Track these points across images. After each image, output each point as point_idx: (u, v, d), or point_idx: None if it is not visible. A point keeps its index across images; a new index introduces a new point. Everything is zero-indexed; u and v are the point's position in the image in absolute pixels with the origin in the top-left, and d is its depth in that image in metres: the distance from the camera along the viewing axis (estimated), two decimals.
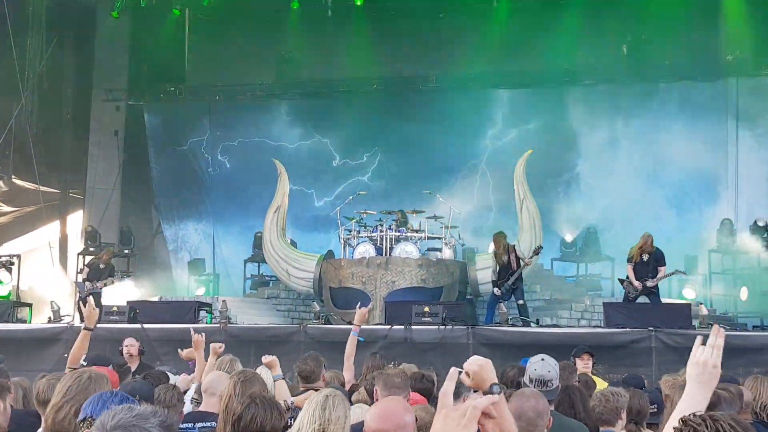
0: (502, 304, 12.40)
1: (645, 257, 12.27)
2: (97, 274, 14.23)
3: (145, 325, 12.06)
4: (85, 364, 5.60)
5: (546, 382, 4.83)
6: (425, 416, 4.11)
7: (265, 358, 5.66)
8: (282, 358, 5.87)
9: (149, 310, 13.23)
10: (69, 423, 3.30)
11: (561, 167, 18.31)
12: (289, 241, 16.10)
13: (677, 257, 14.30)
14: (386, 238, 14.79)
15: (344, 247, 15.35)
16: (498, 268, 12.99)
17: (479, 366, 2.75)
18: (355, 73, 19.21)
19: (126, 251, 18.29)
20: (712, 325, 11.55)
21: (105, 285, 14.18)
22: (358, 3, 18.64)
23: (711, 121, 17.54)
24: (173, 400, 4.86)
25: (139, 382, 5.18)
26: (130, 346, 8.55)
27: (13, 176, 17.59)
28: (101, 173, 19.94)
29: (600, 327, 12.08)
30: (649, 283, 12.18)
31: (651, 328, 10.79)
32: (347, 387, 6.39)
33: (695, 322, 11.42)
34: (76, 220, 19.60)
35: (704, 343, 2.70)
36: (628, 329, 11.03)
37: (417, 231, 15.20)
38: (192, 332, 6.80)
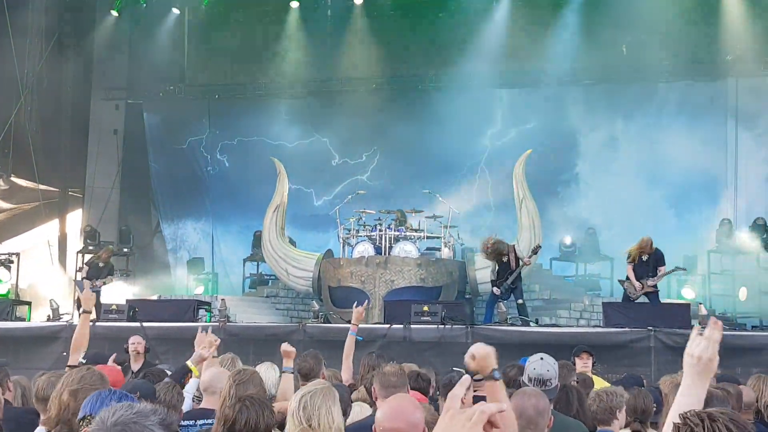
0: (501, 304, 12.40)
1: (644, 257, 12.28)
2: (97, 273, 14.25)
3: (144, 324, 12.05)
4: (84, 362, 5.60)
5: (545, 381, 4.84)
6: (426, 415, 4.11)
7: (285, 346, 5.64)
8: (281, 357, 5.86)
9: (148, 308, 13.24)
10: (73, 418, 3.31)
11: (560, 167, 18.31)
12: (288, 240, 16.11)
13: (676, 257, 14.29)
14: (385, 238, 14.79)
15: (343, 247, 15.36)
16: (497, 267, 13.00)
17: (486, 352, 3.17)
18: (355, 72, 19.20)
19: (125, 250, 18.31)
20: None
21: (104, 283, 14.21)
22: (358, 2, 18.65)
23: (710, 121, 17.54)
24: (174, 398, 4.86)
25: (140, 381, 5.19)
26: (138, 344, 8.60)
27: (12, 175, 17.58)
28: (100, 172, 19.96)
29: (599, 327, 12.08)
30: (650, 283, 12.18)
31: (650, 328, 10.79)
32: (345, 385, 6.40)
33: (694, 322, 11.41)
34: (75, 219, 19.61)
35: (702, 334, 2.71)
36: (627, 329, 11.02)
37: (416, 230, 15.21)
38: (200, 330, 6.74)
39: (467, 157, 18.73)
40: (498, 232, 13.73)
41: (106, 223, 19.26)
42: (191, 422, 4.74)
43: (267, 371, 5.85)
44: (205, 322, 12.54)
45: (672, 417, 2.60)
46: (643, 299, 12.33)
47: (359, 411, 4.85)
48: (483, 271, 14.15)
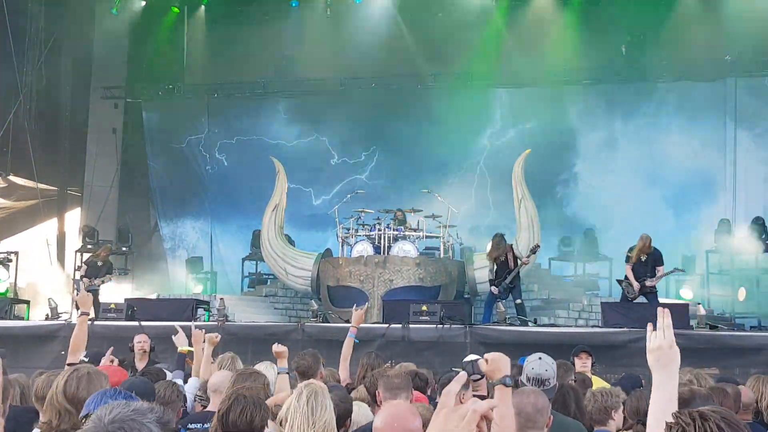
0: (499, 303, 12.40)
1: (643, 257, 12.27)
2: (95, 272, 14.24)
3: (143, 323, 12.04)
4: (86, 360, 5.60)
5: (543, 381, 4.84)
6: (426, 414, 4.11)
7: (276, 347, 5.64)
8: None
9: (147, 307, 13.23)
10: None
11: (559, 167, 18.31)
12: (287, 239, 16.11)
13: (675, 257, 14.31)
14: (384, 237, 14.79)
15: (342, 246, 15.35)
16: (496, 267, 13.00)
17: (499, 355, 3.30)
18: (354, 71, 19.19)
19: (124, 249, 18.30)
20: (709, 325, 11.54)
21: (103, 282, 14.19)
22: (357, 1, 18.65)
23: (709, 121, 17.54)
24: (173, 396, 4.86)
25: (139, 379, 5.18)
26: (144, 342, 8.62)
27: (11, 174, 17.57)
28: (99, 171, 19.93)
29: (598, 327, 12.08)
30: (648, 283, 12.18)
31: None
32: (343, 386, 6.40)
33: (693, 323, 11.42)
34: (74, 218, 19.59)
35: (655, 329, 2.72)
36: (625, 329, 11.02)
37: (415, 230, 15.20)
38: (192, 328, 6.81)
39: (466, 157, 18.74)
40: (497, 231, 13.71)
41: (104, 222, 19.26)
42: (199, 425, 4.74)
43: (265, 371, 5.84)
44: (204, 321, 12.54)
45: (651, 414, 2.60)
46: (642, 299, 12.34)
47: (357, 410, 4.85)
48: (482, 270, 14.15)
